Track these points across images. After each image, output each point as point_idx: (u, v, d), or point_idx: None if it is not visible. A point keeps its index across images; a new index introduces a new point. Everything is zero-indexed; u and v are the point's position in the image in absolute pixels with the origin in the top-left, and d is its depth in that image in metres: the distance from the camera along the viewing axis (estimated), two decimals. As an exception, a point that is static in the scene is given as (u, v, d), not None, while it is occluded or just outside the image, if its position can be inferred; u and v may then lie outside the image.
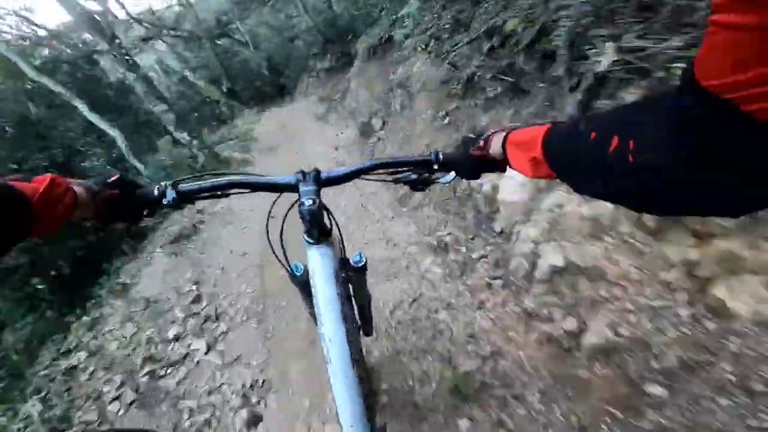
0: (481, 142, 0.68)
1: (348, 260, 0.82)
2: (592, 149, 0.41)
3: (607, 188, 0.41)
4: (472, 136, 0.73)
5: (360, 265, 0.82)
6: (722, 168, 0.28)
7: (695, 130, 0.28)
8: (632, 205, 0.42)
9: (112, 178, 0.67)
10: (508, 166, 0.64)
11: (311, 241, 0.71)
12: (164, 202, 0.69)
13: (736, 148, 0.26)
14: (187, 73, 12.29)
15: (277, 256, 0.80)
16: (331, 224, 0.77)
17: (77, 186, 0.61)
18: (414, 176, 0.77)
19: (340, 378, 0.60)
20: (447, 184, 0.79)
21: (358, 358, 0.63)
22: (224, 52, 12.86)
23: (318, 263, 0.69)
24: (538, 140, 0.52)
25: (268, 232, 0.81)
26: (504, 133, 0.63)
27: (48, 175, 0.55)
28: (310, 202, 0.66)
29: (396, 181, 0.79)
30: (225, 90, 12.05)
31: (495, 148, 0.65)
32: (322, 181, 0.72)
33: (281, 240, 0.81)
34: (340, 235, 0.83)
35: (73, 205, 0.58)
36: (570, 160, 0.46)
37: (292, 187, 0.72)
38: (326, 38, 8.82)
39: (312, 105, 7.85)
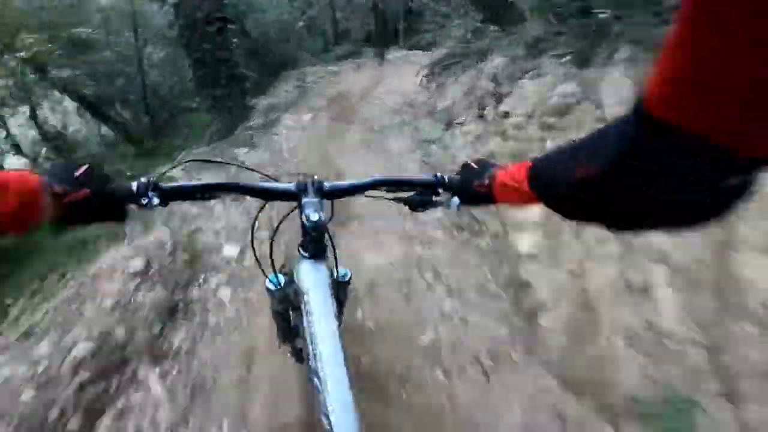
0: (486, 180, 0.69)
1: (333, 273, 0.80)
2: (565, 177, 0.45)
3: (581, 213, 0.46)
4: (474, 165, 0.74)
5: (345, 279, 0.81)
6: (658, 183, 0.32)
7: (631, 148, 0.32)
8: (606, 225, 0.45)
9: (80, 172, 0.58)
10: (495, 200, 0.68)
11: (307, 255, 0.68)
12: (143, 201, 0.61)
13: (667, 161, 0.30)
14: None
15: (259, 264, 0.77)
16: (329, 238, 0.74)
17: (44, 188, 0.54)
18: (418, 197, 0.77)
19: (337, 398, 0.56)
20: (450, 208, 0.79)
21: (348, 366, 0.61)
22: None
23: (313, 279, 0.67)
24: (523, 174, 0.57)
25: (252, 239, 0.77)
26: (495, 172, 0.67)
27: (23, 173, 0.51)
28: (316, 216, 0.63)
29: (397, 200, 0.78)
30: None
31: (488, 185, 0.69)
32: (325, 193, 0.70)
33: (271, 247, 0.78)
34: (333, 248, 0.81)
35: (39, 209, 0.52)
36: (550, 189, 0.51)
37: (292, 196, 0.69)
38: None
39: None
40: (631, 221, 0.42)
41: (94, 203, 0.58)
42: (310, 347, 0.60)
